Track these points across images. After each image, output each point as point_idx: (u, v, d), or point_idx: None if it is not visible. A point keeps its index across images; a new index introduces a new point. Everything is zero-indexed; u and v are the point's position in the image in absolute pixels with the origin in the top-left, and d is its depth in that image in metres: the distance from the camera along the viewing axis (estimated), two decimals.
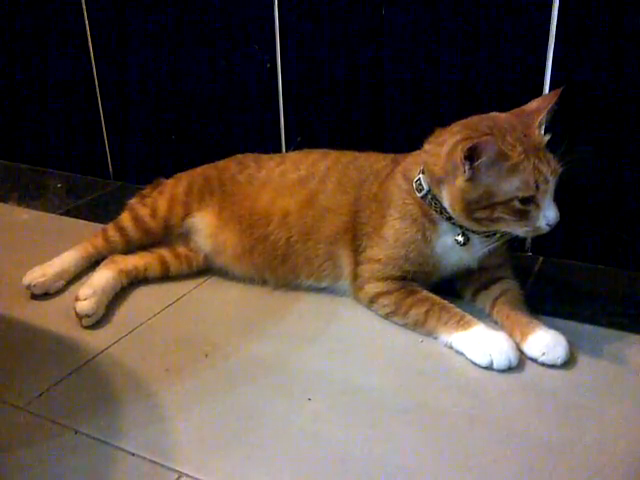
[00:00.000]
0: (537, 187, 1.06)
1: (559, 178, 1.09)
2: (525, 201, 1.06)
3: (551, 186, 1.07)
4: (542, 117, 1.10)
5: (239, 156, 1.46)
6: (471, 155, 1.05)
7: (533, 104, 1.14)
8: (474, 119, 1.13)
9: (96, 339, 1.19)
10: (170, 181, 1.47)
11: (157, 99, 1.81)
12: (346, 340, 1.18)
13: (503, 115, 1.13)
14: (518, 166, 1.05)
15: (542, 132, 1.11)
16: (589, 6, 1.23)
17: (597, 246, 1.39)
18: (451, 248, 1.19)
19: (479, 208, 1.09)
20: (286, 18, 1.54)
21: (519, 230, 1.10)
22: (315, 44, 1.53)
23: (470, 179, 1.07)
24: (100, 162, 1.97)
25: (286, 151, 1.64)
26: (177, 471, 0.90)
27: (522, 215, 1.08)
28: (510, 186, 1.06)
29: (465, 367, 1.09)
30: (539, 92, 1.31)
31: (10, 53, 1.99)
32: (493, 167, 1.06)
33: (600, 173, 1.34)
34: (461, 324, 1.12)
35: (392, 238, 1.21)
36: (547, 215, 1.08)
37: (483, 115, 1.14)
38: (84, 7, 1.79)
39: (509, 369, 1.06)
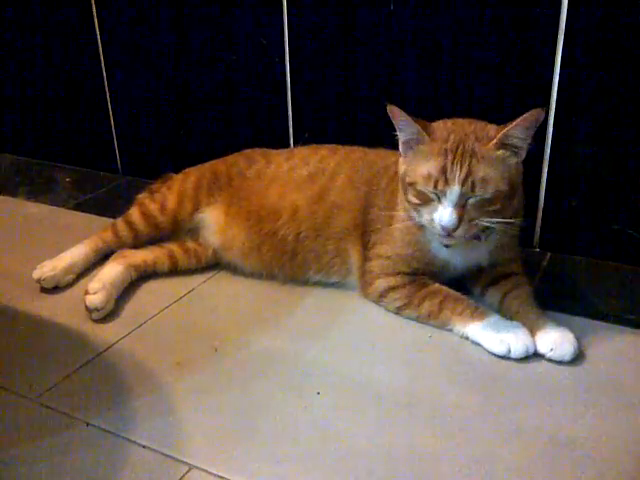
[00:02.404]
0: (435, 185, 1.06)
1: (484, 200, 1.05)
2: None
3: (453, 194, 1.05)
4: (503, 133, 1.06)
5: (247, 151, 1.46)
6: (391, 117, 1.10)
7: (515, 121, 1.07)
8: (458, 120, 1.13)
9: (106, 332, 1.20)
10: (179, 176, 1.48)
11: (165, 94, 1.81)
12: (355, 335, 1.19)
13: (487, 127, 1.10)
14: (430, 156, 1.07)
15: (498, 147, 1.06)
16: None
17: (605, 242, 1.39)
18: (451, 249, 1.17)
19: (407, 187, 1.12)
20: (295, 12, 1.54)
21: (425, 217, 1.10)
22: (324, 38, 1.53)
23: (404, 157, 1.13)
24: (109, 156, 1.98)
25: (294, 147, 1.64)
26: (187, 464, 0.91)
27: (425, 201, 1.09)
28: (419, 170, 1.08)
29: (474, 362, 1.09)
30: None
31: (19, 48, 1.99)
32: (417, 146, 1.10)
33: (608, 170, 1.34)
34: (476, 314, 1.13)
35: (398, 237, 1.22)
36: (440, 215, 1.07)
37: (473, 120, 1.12)
38: (93, 3, 1.79)
39: (526, 357, 1.07)
